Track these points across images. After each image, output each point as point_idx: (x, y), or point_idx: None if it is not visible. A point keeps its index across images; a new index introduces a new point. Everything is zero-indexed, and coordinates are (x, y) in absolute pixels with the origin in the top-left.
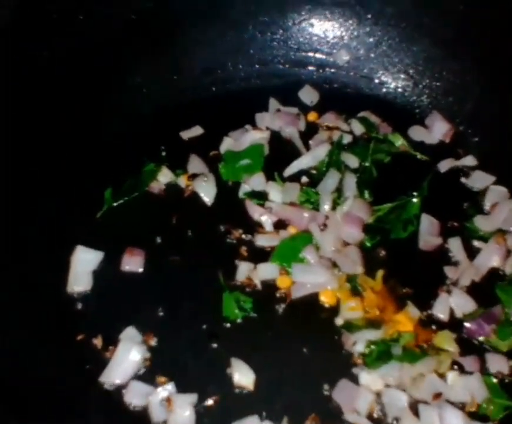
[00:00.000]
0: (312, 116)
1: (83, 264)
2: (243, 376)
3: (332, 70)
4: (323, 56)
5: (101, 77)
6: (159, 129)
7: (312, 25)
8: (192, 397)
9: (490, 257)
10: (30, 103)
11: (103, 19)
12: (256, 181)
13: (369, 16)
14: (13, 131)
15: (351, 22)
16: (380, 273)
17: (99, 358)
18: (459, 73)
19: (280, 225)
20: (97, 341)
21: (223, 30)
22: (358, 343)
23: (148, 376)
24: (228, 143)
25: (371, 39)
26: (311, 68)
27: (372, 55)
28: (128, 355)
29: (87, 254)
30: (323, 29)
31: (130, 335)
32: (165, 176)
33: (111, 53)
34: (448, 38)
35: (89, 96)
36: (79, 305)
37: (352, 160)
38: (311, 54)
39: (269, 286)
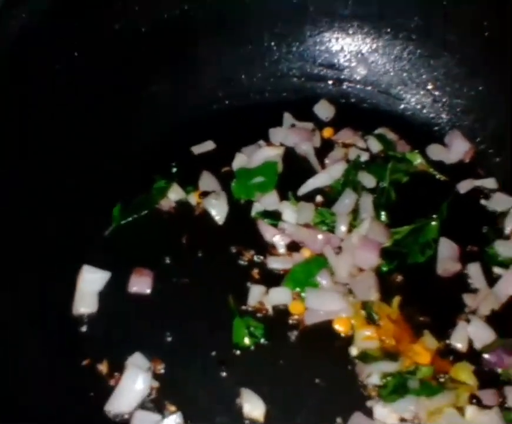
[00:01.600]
0: (327, 132)
1: (89, 285)
2: (253, 407)
3: (349, 84)
4: (340, 70)
5: (114, 92)
6: (171, 144)
7: (329, 38)
8: None
9: (511, 285)
10: (39, 116)
11: (117, 33)
12: (269, 200)
13: (388, 29)
14: (22, 146)
15: (369, 35)
16: (396, 300)
17: (104, 385)
18: (481, 91)
19: (293, 247)
20: (103, 367)
21: (238, 42)
22: (373, 375)
23: (155, 404)
24: (240, 160)
25: (390, 53)
26: (327, 82)
27: (391, 70)
28: (134, 384)
29: (93, 274)
30: (341, 42)
31: (136, 361)
32: (175, 193)
33: (125, 68)
34: (470, 55)
35: (99, 111)
36: (84, 328)
37: (369, 180)
38: (327, 68)
39: (281, 312)
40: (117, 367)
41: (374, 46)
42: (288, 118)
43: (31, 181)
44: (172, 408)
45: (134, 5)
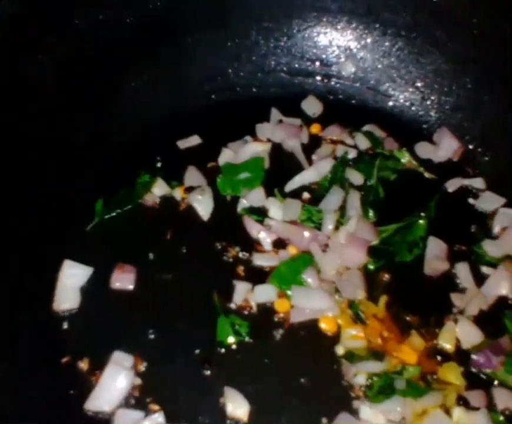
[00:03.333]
0: (315, 128)
1: (71, 280)
2: (237, 407)
3: (337, 81)
4: (328, 66)
5: (98, 84)
6: (156, 138)
7: (317, 33)
8: None
9: (499, 285)
10: (22, 109)
11: (102, 25)
12: (255, 196)
13: (377, 25)
14: (5, 139)
15: (358, 31)
16: (383, 299)
17: (85, 383)
18: (471, 89)
19: (280, 244)
20: (84, 364)
21: (225, 35)
22: (359, 375)
23: (136, 403)
24: (226, 155)
25: (379, 50)
26: (315, 77)
27: (379, 66)
28: (115, 381)
29: (75, 269)
30: (329, 37)
31: (118, 359)
32: (159, 188)
33: (109, 60)
34: (459, 52)
35: (83, 104)
36: (65, 325)
37: (356, 177)
38: (315, 63)
39: (267, 309)
40: (99, 364)
41: (363, 42)
42: (275, 113)
43: (12, 174)
44: (155, 407)
45: None
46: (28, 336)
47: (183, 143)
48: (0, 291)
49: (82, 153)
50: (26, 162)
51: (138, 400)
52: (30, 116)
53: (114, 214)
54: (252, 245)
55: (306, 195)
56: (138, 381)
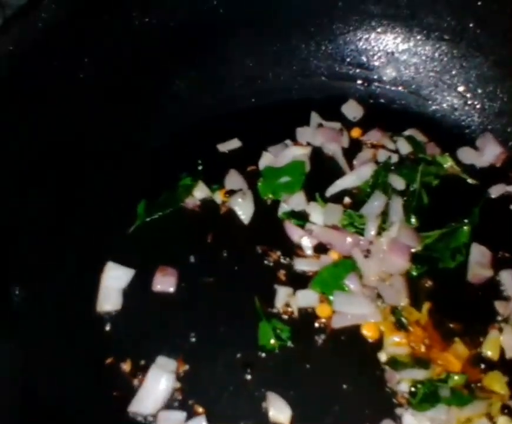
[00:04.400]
0: (355, 132)
1: (114, 282)
2: (279, 412)
3: (378, 84)
4: (370, 70)
5: (140, 88)
6: (197, 141)
7: (359, 37)
8: None
9: None
10: (67, 112)
11: (145, 28)
12: (296, 201)
13: (420, 29)
14: (48, 142)
15: (400, 34)
16: (426, 306)
17: (128, 385)
18: None
19: (321, 249)
20: (126, 366)
21: (266, 39)
22: (403, 382)
23: (179, 406)
24: (267, 159)
25: (421, 54)
26: (355, 81)
27: (421, 70)
28: (158, 384)
29: (117, 271)
30: (371, 41)
31: (160, 362)
32: (200, 191)
33: (151, 63)
34: (504, 57)
35: (126, 107)
36: (108, 326)
37: (399, 182)
38: (356, 67)
39: (308, 314)
40: (141, 366)
41: (405, 46)
42: (315, 117)
43: (57, 178)
44: (198, 410)
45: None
46: (72, 337)
47: (224, 147)
48: (46, 293)
49: (124, 157)
50: (70, 166)
51: (180, 403)
52: (76, 120)
53: (156, 216)
54: (293, 249)
55: (347, 200)
56: (180, 384)
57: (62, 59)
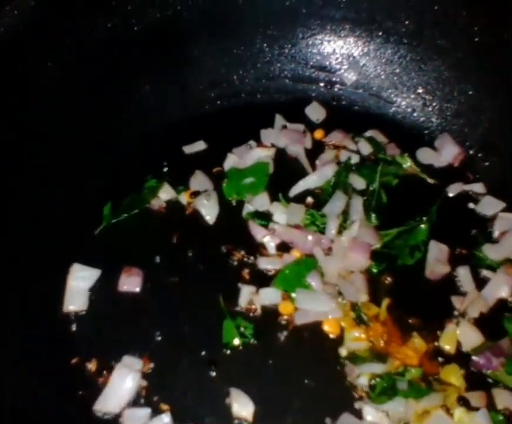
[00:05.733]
0: (318, 133)
1: (80, 282)
2: (242, 407)
3: (340, 87)
4: (332, 73)
5: (106, 92)
6: (162, 143)
7: (321, 41)
8: None
9: (498, 288)
10: (32, 116)
11: (110, 33)
12: (260, 201)
13: (380, 33)
14: (13, 143)
15: (361, 38)
16: (386, 302)
17: (93, 384)
18: (472, 96)
19: (284, 247)
20: (92, 365)
21: (230, 43)
22: (362, 376)
23: (144, 404)
24: (231, 160)
25: (381, 57)
26: (318, 84)
27: (382, 73)
28: (124, 383)
29: (83, 272)
30: (333, 45)
31: (126, 361)
32: (166, 193)
33: (117, 67)
34: (461, 59)
35: (92, 110)
36: (74, 327)
37: (359, 182)
38: (319, 70)
39: (271, 312)
40: (107, 365)
41: (366, 49)
42: (279, 119)
43: (22, 180)
44: (163, 407)
45: (127, 4)
46: (38, 337)
47: (189, 149)
48: (11, 294)
49: (90, 159)
50: (36, 168)
51: (145, 401)
52: (40, 123)
53: (122, 218)
54: (256, 249)
55: (309, 199)
56: (146, 382)
57: (26, 63)
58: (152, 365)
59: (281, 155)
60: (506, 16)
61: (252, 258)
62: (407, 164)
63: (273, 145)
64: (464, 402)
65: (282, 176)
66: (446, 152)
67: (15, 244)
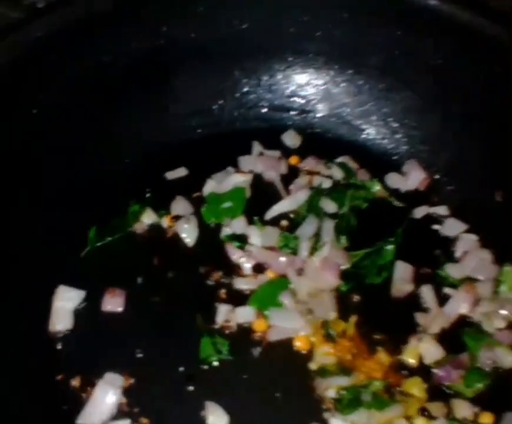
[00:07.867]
0: (293, 159)
1: (65, 303)
2: (217, 419)
3: (314, 115)
4: (307, 102)
5: (90, 121)
6: (145, 170)
7: (296, 72)
8: None
9: (459, 304)
10: (19, 139)
11: (94, 66)
12: (237, 224)
13: (351, 65)
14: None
15: (333, 70)
16: (353, 319)
17: (77, 399)
18: (437, 125)
19: (259, 268)
20: (76, 382)
21: (209, 75)
22: (330, 389)
23: (124, 417)
24: (210, 186)
25: (352, 87)
26: (294, 112)
27: (353, 103)
28: (105, 398)
29: (69, 293)
30: (307, 76)
31: (108, 377)
32: (148, 217)
33: (100, 98)
34: (427, 90)
35: (78, 137)
36: (59, 345)
37: (330, 206)
38: (294, 99)
39: (246, 329)
40: (90, 382)
41: (338, 79)
42: (256, 146)
43: (10, 203)
44: (143, 420)
45: (109, 38)
46: (24, 356)
47: (171, 175)
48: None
49: (76, 186)
50: (23, 193)
51: (126, 415)
52: (27, 147)
53: (106, 241)
54: (233, 269)
55: (284, 222)
56: (126, 397)
57: (15, 95)
58: (132, 381)
59: (257, 180)
60: (465, 50)
61: (228, 278)
62: (376, 188)
63: (250, 171)
64: (424, 412)
65: (258, 200)
66: (413, 177)
67: (3, 266)
